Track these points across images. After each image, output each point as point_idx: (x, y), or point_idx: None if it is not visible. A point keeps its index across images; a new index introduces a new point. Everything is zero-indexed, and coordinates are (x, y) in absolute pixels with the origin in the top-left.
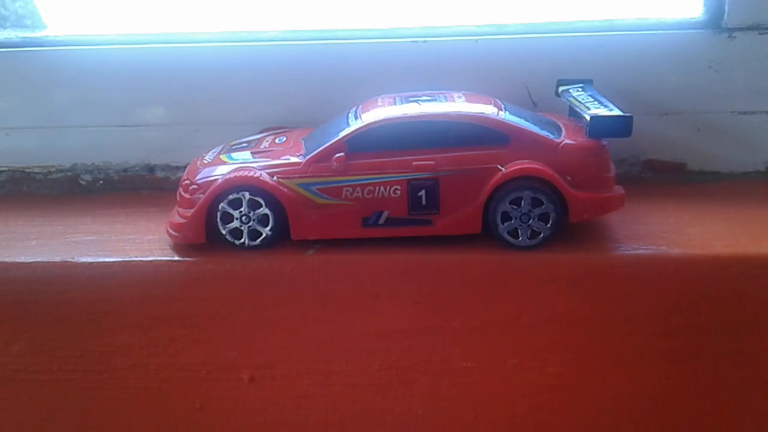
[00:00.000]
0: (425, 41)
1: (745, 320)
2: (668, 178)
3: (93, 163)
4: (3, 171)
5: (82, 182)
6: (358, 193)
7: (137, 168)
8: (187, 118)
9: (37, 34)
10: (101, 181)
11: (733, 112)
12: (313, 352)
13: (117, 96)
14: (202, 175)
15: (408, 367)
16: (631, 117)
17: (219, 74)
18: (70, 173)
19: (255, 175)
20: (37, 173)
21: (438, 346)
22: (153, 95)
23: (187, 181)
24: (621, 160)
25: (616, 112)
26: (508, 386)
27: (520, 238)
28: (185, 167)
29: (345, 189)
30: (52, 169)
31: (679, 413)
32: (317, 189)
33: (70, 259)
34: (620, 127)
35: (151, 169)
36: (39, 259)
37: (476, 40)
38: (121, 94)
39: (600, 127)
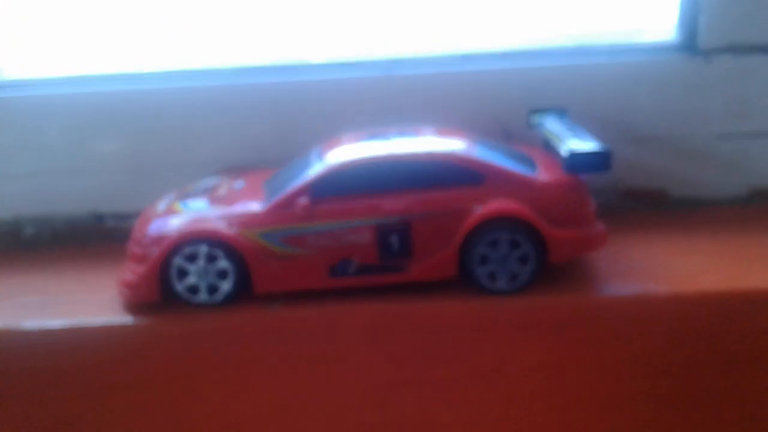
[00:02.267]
0: (391, 74)
1: (736, 357)
2: (649, 206)
3: (37, 214)
4: None
5: (26, 235)
6: (324, 241)
7: (85, 218)
8: (136, 161)
9: None
10: (47, 234)
11: (711, 135)
12: (283, 413)
13: (61, 141)
14: (155, 228)
15: (386, 424)
16: (609, 151)
17: (169, 114)
18: (12, 226)
19: (212, 227)
20: None
21: (417, 400)
22: (100, 139)
23: (139, 234)
24: (599, 190)
25: (593, 146)
26: None
27: (499, 282)
28: (137, 215)
29: (310, 237)
30: None
31: None
32: (280, 239)
33: (14, 326)
34: (598, 162)
35: (99, 218)
36: None
37: (444, 72)
38: (65, 139)
39: (578, 163)
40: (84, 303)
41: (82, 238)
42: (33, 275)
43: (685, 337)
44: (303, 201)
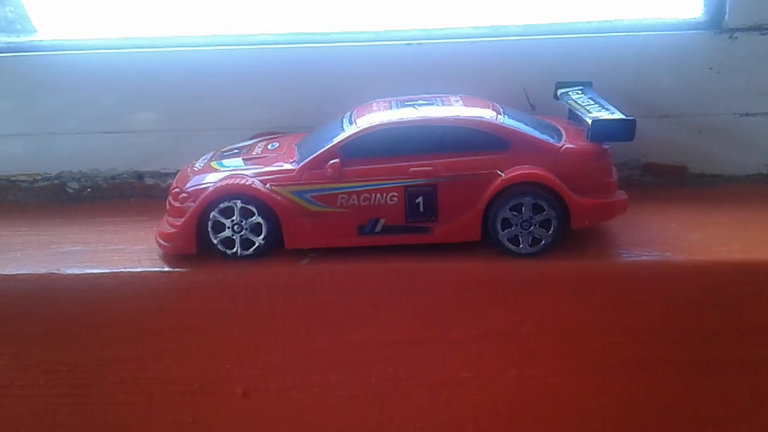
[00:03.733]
0: (420, 44)
1: (752, 327)
2: (669, 182)
3: (80, 171)
4: None
5: (69, 190)
6: (353, 200)
7: (125, 175)
8: (176, 123)
9: (22, 39)
10: (89, 189)
11: (734, 114)
12: (308, 364)
13: (104, 102)
14: (193, 183)
15: (406, 379)
16: (634, 120)
17: (209, 79)
18: (56, 181)
19: (247, 183)
20: (22, 181)
21: (437, 357)
22: (141, 100)
23: (177, 189)
24: (622, 164)
25: (618, 115)
26: (509, 396)
27: (521, 246)
28: (175, 174)
29: (340, 196)
30: (38, 177)
31: (685, 422)
32: (311, 197)
33: (56, 271)
34: (623, 130)
35: (140, 176)
36: (24, 271)
37: (472, 43)
38: (108, 100)
39: (602, 130)
40: (123, 253)
41: (122, 195)
42: (74, 227)
43: (700, 305)
44: (334, 161)
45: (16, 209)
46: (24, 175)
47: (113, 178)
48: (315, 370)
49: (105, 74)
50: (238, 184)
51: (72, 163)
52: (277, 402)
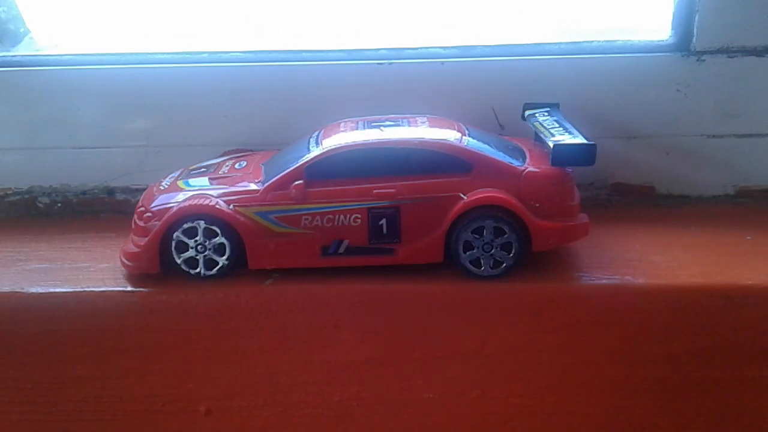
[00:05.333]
0: (390, 63)
1: (710, 350)
2: (636, 202)
3: (51, 186)
4: None
5: (40, 205)
6: (317, 221)
7: (96, 191)
8: (147, 139)
9: None
10: (59, 204)
11: (702, 135)
12: (272, 384)
13: (75, 117)
14: (158, 203)
15: (369, 399)
16: (594, 145)
17: (181, 95)
18: (27, 196)
19: (210, 203)
20: None
21: (400, 377)
22: (112, 116)
23: (142, 208)
24: (589, 184)
25: (580, 139)
26: (472, 417)
27: (483, 268)
28: (145, 189)
29: (304, 217)
30: (9, 192)
31: None
32: (275, 218)
33: (19, 290)
34: (584, 155)
35: (110, 191)
36: None
37: (442, 63)
38: (79, 115)
39: (563, 155)
40: (88, 271)
41: (93, 210)
42: (41, 243)
43: (659, 328)
44: (298, 182)
45: None
46: None
47: (84, 193)
48: (278, 389)
49: (77, 90)
50: (201, 204)
51: (43, 177)
52: (241, 421)
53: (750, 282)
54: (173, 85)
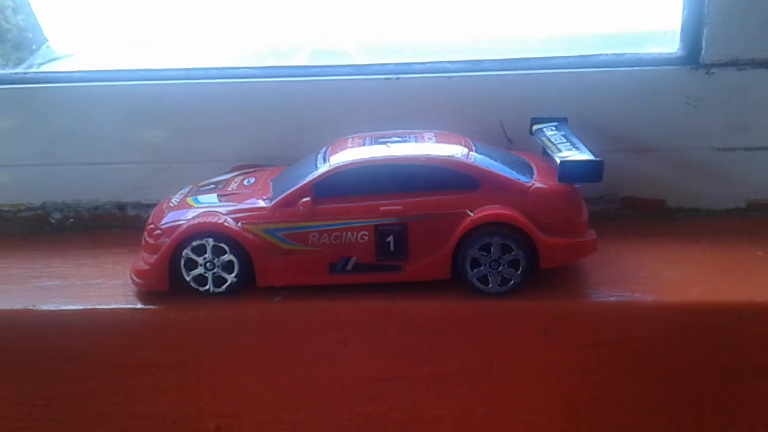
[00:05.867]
0: (398, 78)
1: (722, 367)
2: (647, 216)
3: (63, 201)
4: None
5: (53, 220)
6: (325, 238)
7: (108, 206)
8: (158, 155)
9: (5, 71)
10: (71, 220)
11: (711, 148)
12: (281, 401)
13: (87, 134)
14: (167, 220)
15: (378, 416)
16: (601, 162)
17: (190, 111)
18: (40, 211)
19: (219, 221)
20: (6, 211)
21: (408, 394)
22: (123, 133)
23: (152, 226)
24: (599, 198)
25: (587, 156)
26: (478, 431)
27: (490, 285)
28: (156, 205)
29: (311, 234)
30: (22, 207)
31: None
32: (283, 235)
33: (31, 307)
34: (591, 171)
35: (122, 207)
36: (1, 306)
37: (450, 77)
38: (91, 132)
39: (570, 171)
40: (99, 288)
41: (104, 225)
42: (53, 259)
43: (669, 346)
44: (306, 200)
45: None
46: (8, 205)
47: (96, 208)
48: (287, 407)
49: (89, 106)
50: (210, 222)
51: (55, 193)
52: None
53: (761, 299)
54: (184, 101)
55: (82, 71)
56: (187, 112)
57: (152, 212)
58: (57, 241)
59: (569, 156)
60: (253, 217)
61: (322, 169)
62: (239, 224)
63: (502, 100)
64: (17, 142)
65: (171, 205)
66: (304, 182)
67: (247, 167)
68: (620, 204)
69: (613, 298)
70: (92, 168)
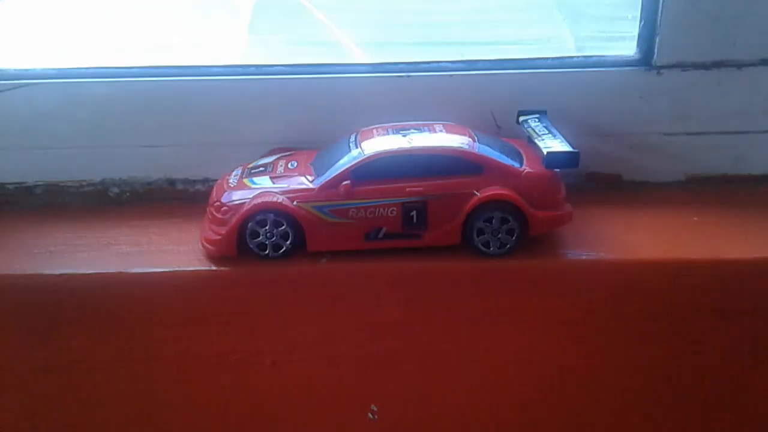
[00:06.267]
0: (409, 76)
1: (661, 309)
2: (606, 188)
3: (120, 178)
4: (40, 185)
5: (111, 194)
6: (361, 213)
7: (160, 182)
8: (203, 138)
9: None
10: (128, 194)
11: (659, 133)
12: (323, 341)
13: (142, 121)
14: (233, 198)
15: (401, 350)
16: (578, 153)
17: (231, 102)
18: (99, 187)
19: (278, 200)
20: (70, 187)
21: (425, 333)
22: (172, 120)
23: (218, 203)
24: (569, 173)
25: (567, 147)
26: (480, 361)
27: (491, 248)
28: (202, 181)
29: (351, 210)
30: (84, 183)
31: (612, 380)
32: (329, 210)
33: (123, 270)
34: (570, 160)
35: (172, 182)
36: (97, 271)
37: (451, 75)
38: (145, 120)
39: (554, 160)
40: (173, 253)
41: (157, 198)
42: (124, 228)
43: (625, 294)
44: (346, 183)
45: (66, 211)
46: (71, 181)
47: (149, 184)
48: (329, 344)
49: (139, 99)
50: (271, 201)
51: (113, 170)
52: (299, 369)
53: (695, 257)
54: (226, 93)
55: (135, 67)
56: (228, 103)
57: (214, 190)
58: (119, 212)
59: (552, 147)
60: (304, 196)
61: (358, 157)
62: (294, 203)
63: (493, 94)
64: (80, 128)
65: (230, 185)
66: (344, 169)
67: (284, 150)
68: (586, 178)
69: (584, 257)
70: (146, 150)
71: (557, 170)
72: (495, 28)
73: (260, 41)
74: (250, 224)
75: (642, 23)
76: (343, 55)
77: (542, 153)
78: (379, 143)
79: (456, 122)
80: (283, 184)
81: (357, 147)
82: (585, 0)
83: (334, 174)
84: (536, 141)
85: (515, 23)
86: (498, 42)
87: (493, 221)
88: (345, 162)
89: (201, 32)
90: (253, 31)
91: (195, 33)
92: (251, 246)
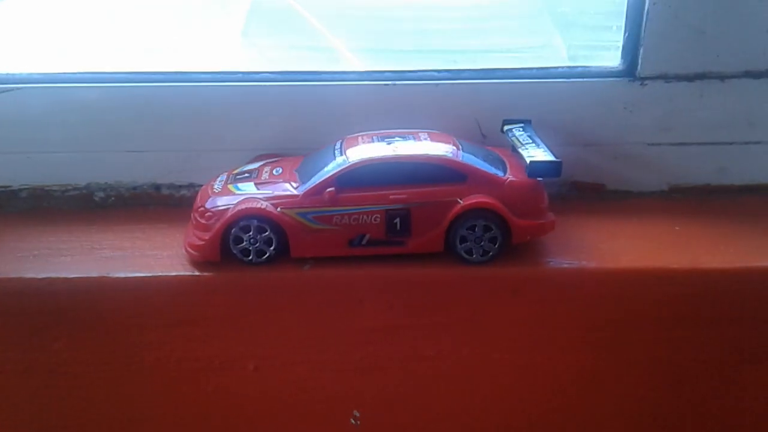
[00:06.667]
0: (395, 84)
1: (642, 317)
2: (590, 197)
3: (106, 182)
4: (25, 188)
5: (96, 199)
6: (345, 220)
7: (145, 186)
8: (190, 144)
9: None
10: (113, 198)
11: (642, 143)
12: (307, 346)
13: (128, 126)
14: (216, 204)
15: (384, 356)
16: (560, 162)
17: (217, 108)
18: (85, 191)
19: (262, 206)
20: (55, 191)
21: (408, 340)
22: (158, 126)
23: (203, 209)
24: (553, 182)
25: (550, 157)
26: (463, 367)
27: (474, 256)
28: (187, 186)
29: (335, 217)
30: (69, 187)
31: (594, 387)
32: (312, 217)
33: (106, 275)
34: (553, 169)
35: (157, 187)
36: (80, 275)
37: (436, 84)
38: (131, 125)
39: (537, 169)
40: (156, 258)
41: (142, 203)
42: (108, 233)
43: (606, 302)
44: (330, 190)
45: (51, 215)
46: (56, 185)
47: (134, 188)
48: (312, 350)
49: (125, 104)
50: (254, 207)
51: (99, 175)
52: (282, 375)
53: (675, 266)
54: (212, 99)
55: (122, 72)
56: (214, 109)
57: (199, 195)
58: (103, 216)
59: (535, 156)
60: (288, 202)
61: (343, 165)
62: (278, 209)
63: (479, 103)
64: (65, 134)
65: (215, 190)
66: (329, 175)
67: (268, 156)
68: (569, 187)
69: (565, 265)
70: (131, 155)
71: (540, 179)
72: (489, 37)
73: (254, 46)
74: (233, 230)
75: (626, 34)
76: (336, 62)
77: (525, 162)
78: (363, 151)
79: (441, 130)
80: (268, 191)
81: (342, 154)
82: (578, 9)
83: (319, 181)
84: (520, 150)
85: (508, 31)
86: (491, 50)
87: (476, 229)
88: (330, 169)
89: (194, 37)
90: (247, 36)
91: (188, 37)
92: (235, 252)
